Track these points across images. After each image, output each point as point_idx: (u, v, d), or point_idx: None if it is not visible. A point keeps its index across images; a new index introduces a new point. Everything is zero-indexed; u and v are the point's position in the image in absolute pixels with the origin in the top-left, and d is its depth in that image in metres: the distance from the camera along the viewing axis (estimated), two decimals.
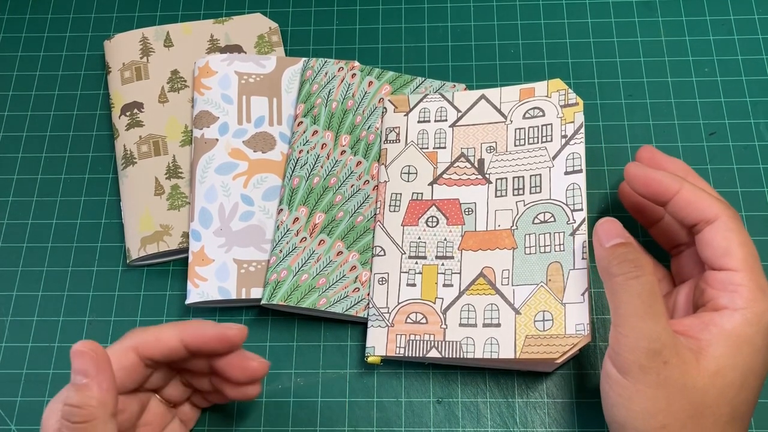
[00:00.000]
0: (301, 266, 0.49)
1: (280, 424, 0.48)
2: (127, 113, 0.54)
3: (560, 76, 0.56)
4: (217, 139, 0.52)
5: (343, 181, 0.51)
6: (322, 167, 0.51)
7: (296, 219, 0.50)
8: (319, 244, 0.49)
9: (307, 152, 0.51)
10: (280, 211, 0.50)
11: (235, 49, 0.57)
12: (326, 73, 0.54)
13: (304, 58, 0.55)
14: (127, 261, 0.51)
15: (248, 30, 0.57)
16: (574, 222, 0.45)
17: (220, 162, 0.52)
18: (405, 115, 0.52)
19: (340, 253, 0.49)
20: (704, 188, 0.44)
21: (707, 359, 0.38)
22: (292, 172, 0.51)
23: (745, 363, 0.38)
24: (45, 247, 0.53)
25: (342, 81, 0.53)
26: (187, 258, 0.51)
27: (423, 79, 0.54)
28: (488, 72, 0.57)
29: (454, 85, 0.54)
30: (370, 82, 0.54)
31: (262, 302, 0.48)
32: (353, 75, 0.54)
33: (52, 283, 0.52)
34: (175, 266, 0.52)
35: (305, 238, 0.49)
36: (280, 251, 0.49)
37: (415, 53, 0.57)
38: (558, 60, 0.57)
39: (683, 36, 0.57)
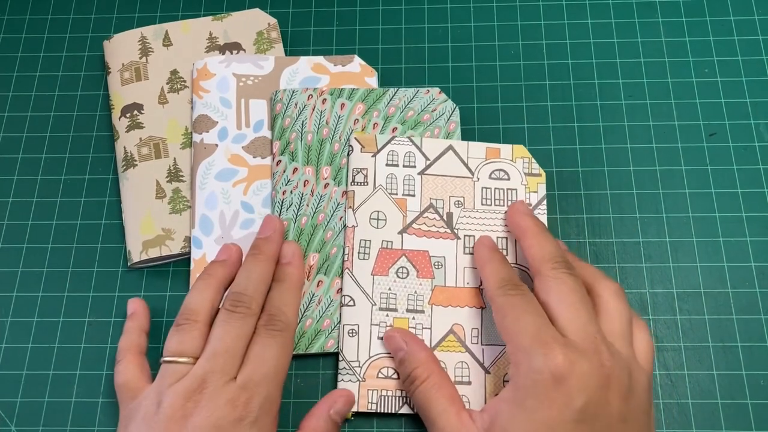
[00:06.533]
0: (304, 312, 0.48)
1: (280, 425, 0.47)
2: (127, 115, 0.54)
3: (560, 76, 0.56)
4: (216, 145, 0.52)
5: (332, 216, 0.50)
6: (308, 205, 0.50)
7: None
8: (317, 286, 0.49)
9: (291, 192, 0.51)
10: None
11: (234, 46, 0.56)
12: (296, 104, 0.52)
13: (301, 57, 0.55)
14: (128, 263, 0.51)
15: (247, 27, 0.57)
16: None
17: (220, 168, 0.52)
18: (372, 156, 0.51)
19: (339, 290, 0.49)
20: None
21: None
22: (279, 215, 0.50)
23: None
24: (45, 248, 0.53)
25: (314, 109, 0.52)
26: (187, 258, 0.51)
27: (396, 89, 0.53)
28: (488, 72, 0.57)
29: (428, 90, 0.53)
30: (342, 104, 0.53)
31: None
32: (324, 101, 0.53)
33: (52, 284, 0.52)
34: (175, 267, 0.52)
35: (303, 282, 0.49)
36: None
37: (415, 54, 0.57)
38: (558, 60, 0.57)
39: (683, 37, 0.57)
